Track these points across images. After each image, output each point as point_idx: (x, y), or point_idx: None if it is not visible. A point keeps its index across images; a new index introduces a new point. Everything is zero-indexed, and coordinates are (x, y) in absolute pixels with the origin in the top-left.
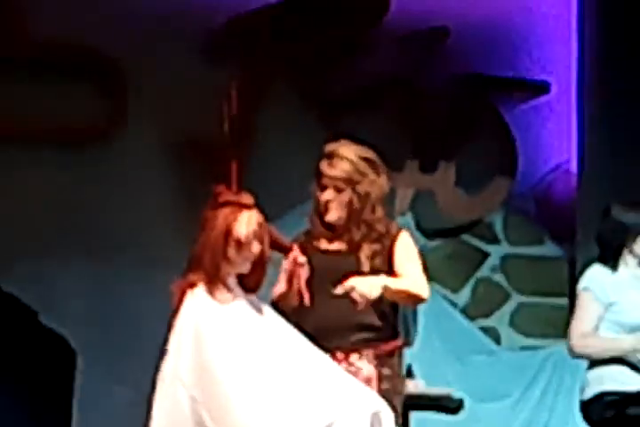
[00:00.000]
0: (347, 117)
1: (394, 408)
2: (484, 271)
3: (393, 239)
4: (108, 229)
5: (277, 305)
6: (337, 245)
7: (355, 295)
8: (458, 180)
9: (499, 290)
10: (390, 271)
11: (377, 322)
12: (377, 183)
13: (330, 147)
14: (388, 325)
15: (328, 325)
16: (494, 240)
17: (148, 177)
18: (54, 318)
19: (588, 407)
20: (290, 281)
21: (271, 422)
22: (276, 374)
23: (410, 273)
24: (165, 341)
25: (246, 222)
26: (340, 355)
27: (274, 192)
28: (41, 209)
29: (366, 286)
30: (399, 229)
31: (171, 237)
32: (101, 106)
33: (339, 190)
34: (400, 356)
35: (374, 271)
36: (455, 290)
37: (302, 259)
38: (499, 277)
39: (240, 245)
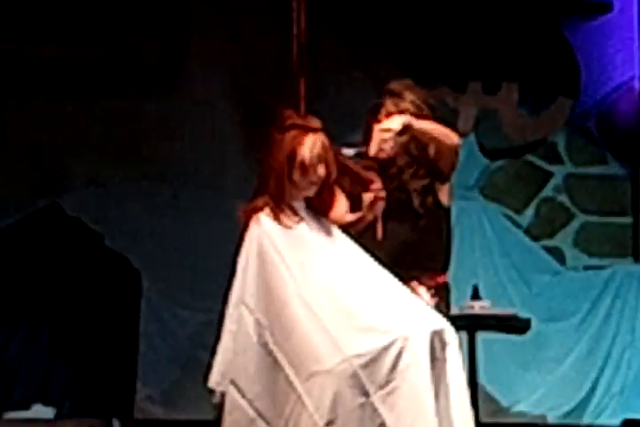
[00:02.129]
0: (409, 42)
1: None
2: (547, 191)
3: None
4: (178, 156)
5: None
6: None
7: (378, 134)
8: (521, 100)
9: (562, 210)
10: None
11: (436, 252)
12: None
13: (394, 85)
14: (443, 256)
15: (392, 253)
16: (558, 160)
17: (217, 105)
18: (121, 241)
19: None
20: (366, 211)
21: (333, 342)
22: (339, 294)
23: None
24: (232, 265)
25: (311, 145)
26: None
27: (340, 115)
28: (108, 136)
29: (389, 121)
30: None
31: (240, 163)
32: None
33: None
34: (448, 289)
35: (425, 207)
36: (519, 211)
37: (383, 192)
38: (562, 197)
39: (305, 168)
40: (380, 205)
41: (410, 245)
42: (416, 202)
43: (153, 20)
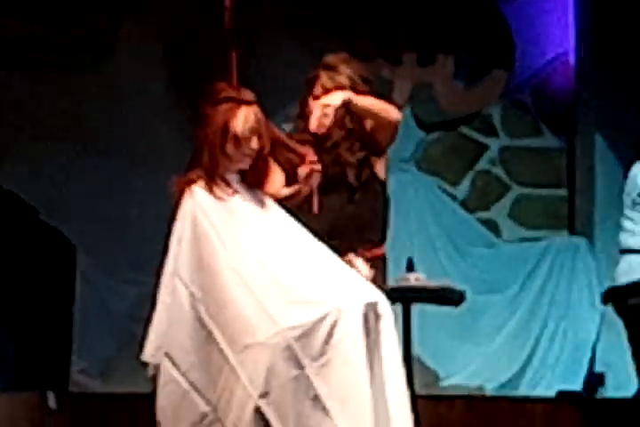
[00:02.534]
0: (345, 14)
1: None
2: (482, 164)
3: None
4: (111, 131)
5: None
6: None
7: (317, 109)
8: (456, 72)
9: (498, 182)
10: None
11: (372, 224)
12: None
13: (330, 59)
14: (380, 228)
15: (327, 226)
16: (493, 132)
17: (150, 77)
18: (55, 216)
19: (617, 293)
20: (301, 184)
21: (267, 315)
22: (273, 266)
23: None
24: (166, 238)
25: (244, 118)
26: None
27: (273, 88)
28: (44, 110)
29: (329, 97)
30: None
31: (173, 136)
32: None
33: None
34: (384, 261)
35: (360, 180)
36: (454, 183)
37: (318, 165)
38: (497, 170)
39: (238, 140)
40: (316, 178)
41: (346, 217)
42: (351, 175)
43: None
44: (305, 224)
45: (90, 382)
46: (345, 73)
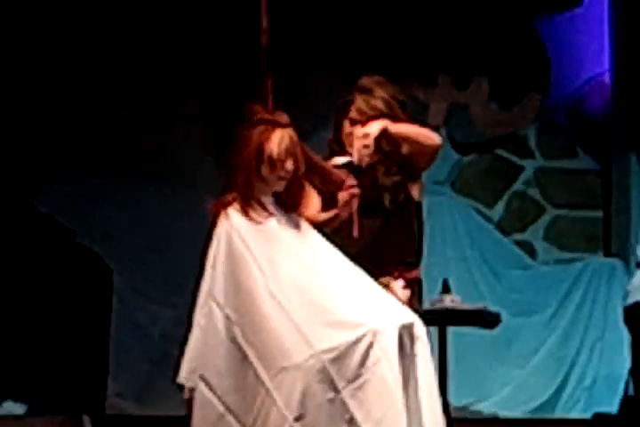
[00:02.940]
0: (381, 35)
1: None
2: (518, 185)
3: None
4: (147, 153)
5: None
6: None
7: (357, 141)
8: (491, 94)
9: (533, 204)
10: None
11: (408, 247)
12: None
13: (365, 82)
14: (416, 251)
15: (363, 249)
16: (528, 154)
17: (187, 101)
18: (92, 238)
19: (629, 313)
20: (340, 209)
21: (302, 337)
22: (309, 289)
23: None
24: (201, 260)
25: (279, 140)
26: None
27: (308, 111)
28: (79, 134)
29: (367, 127)
30: None
31: (209, 159)
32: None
33: (365, 125)
34: (420, 284)
35: (396, 203)
36: (490, 205)
37: (357, 190)
38: (533, 191)
39: (273, 163)
40: (355, 203)
41: (382, 240)
42: (387, 199)
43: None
44: (340, 248)
45: (125, 404)
46: (380, 96)
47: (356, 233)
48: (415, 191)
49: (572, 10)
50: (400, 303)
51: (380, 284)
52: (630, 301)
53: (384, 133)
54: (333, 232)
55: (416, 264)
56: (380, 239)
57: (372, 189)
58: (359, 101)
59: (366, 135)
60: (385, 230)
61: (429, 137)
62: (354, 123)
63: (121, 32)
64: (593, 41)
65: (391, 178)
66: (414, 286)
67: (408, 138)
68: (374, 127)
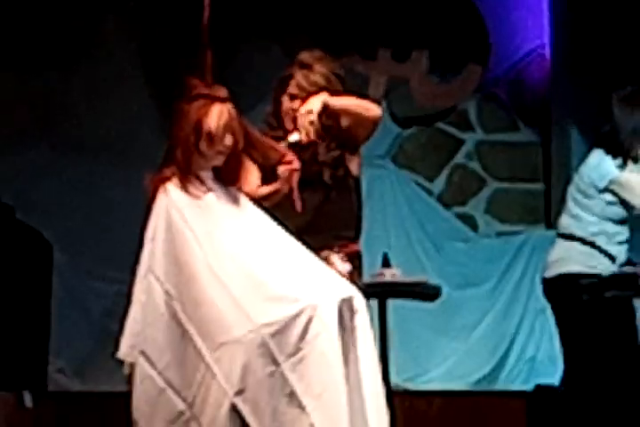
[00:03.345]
0: (321, 8)
1: None
2: (459, 159)
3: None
4: (87, 128)
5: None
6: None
7: (301, 118)
8: (431, 67)
9: (474, 177)
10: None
11: (348, 222)
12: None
13: (305, 57)
14: (355, 224)
15: (303, 223)
16: (469, 127)
17: (127, 77)
18: (31, 214)
19: (550, 285)
20: (280, 183)
21: (242, 312)
22: (248, 263)
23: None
24: (140, 236)
25: (217, 115)
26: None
27: (247, 85)
28: (20, 109)
29: (309, 104)
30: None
31: (147, 132)
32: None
33: (304, 101)
34: (360, 258)
35: (335, 178)
36: (431, 178)
37: (297, 164)
38: (474, 165)
39: (211, 137)
40: (296, 177)
41: (322, 215)
42: (326, 174)
43: None
44: (281, 222)
45: (67, 381)
46: (319, 71)
47: (298, 207)
48: (354, 166)
49: None
50: (341, 277)
51: (320, 257)
52: (552, 273)
53: (324, 108)
54: (274, 207)
55: (355, 238)
56: (319, 214)
57: (313, 164)
58: (299, 77)
59: (310, 112)
60: (325, 205)
61: (369, 108)
62: (293, 98)
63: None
64: (532, 14)
65: (331, 153)
66: (354, 260)
67: (347, 110)
68: (316, 103)
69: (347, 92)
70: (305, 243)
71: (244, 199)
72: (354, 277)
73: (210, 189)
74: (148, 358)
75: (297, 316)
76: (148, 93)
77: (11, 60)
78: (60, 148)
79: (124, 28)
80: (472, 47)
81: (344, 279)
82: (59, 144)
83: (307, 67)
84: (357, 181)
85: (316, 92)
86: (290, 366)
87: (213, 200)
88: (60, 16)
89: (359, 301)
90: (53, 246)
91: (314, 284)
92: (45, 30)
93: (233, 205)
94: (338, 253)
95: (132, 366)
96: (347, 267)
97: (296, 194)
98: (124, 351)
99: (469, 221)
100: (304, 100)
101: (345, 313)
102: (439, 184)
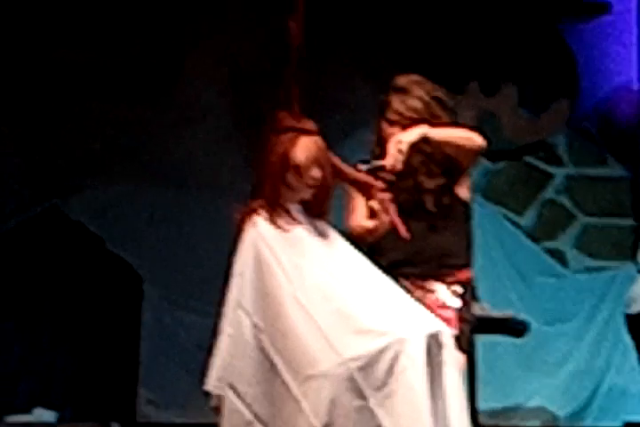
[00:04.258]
0: (407, 43)
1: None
2: (548, 193)
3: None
4: (174, 159)
5: (362, 239)
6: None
7: (392, 146)
8: (520, 101)
9: (564, 211)
10: (457, 205)
11: (455, 249)
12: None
13: (401, 81)
14: (464, 252)
15: (410, 253)
16: (558, 162)
17: (212, 106)
18: (122, 246)
19: (633, 321)
20: (378, 216)
21: (330, 345)
22: (336, 296)
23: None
24: (228, 267)
25: (305, 148)
26: (418, 282)
27: (334, 119)
28: (108, 140)
29: (405, 134)
30: None
31: (235, 165)
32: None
33: (405, 128)
34: (472, 285)
35: (440, 206)
36: (520, 212)
37: (388, 195)
38: (563, 199)
39: (299, 170)
40: (392, 207)
41: (428, 243)
42: (429, 202)
43: (150, 24)
44: (386, 252)
45: (155, 412)
46: (417, 95)
47: (404, 234)
48: (463, 192)
49: (600, 16)
50: (424, 309)
51: (425, 289)
52: (634, 309)
53: (424, 139)
54: (379, 240)
55: (466, 265)
56: (425, 243)
57: (415, 192)
58: (395, 102)
59: (400, 142)
60: (430, 233)
61: (471, 139)
62: (392, 123)
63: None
64: (621, 48)
65: (434, 180)
66: (467, 287)
67: (450, 142)
68: (412, 134)
69: (449, 115)
70: (410, 273)
71: (332, 232)
72: (462, 312)
73: (298, 222)
74: (235, 391)
75: (384, 350)
76: (233, 124)
77: (97, 90)
78: (148, 179)
79: (211, 59)
80: (561, 81)
81: (428, 312)
82: (147, 175)
83: (403, 91)
84: (467, 205)
85: (415, 119)
86: (377, 400)
87: (301, 233)
88: (147, 47)
89: (447, 335)
90: (143, 278)
91: (401, 318)
92: (132, 61)
93: (321, 238)
94: (447, 283)
95: (220, 398)
96: (452, 297)
97: (397, 221)
98: (212, 384)
99: (559, 255)
100: (405, 126)
101: (432, 348)
102: (528, 219)
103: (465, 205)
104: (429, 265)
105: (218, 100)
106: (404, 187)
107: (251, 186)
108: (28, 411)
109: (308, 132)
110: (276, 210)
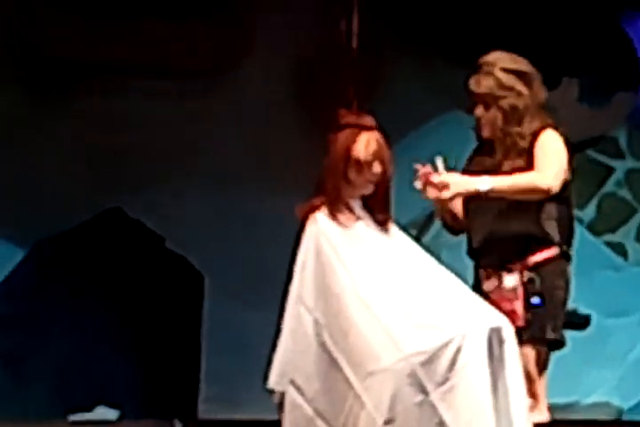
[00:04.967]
0: (468, 39)
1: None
2: (609, 187)
3: (533, 141)
4: (235, 155)
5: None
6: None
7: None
8: (581, 95)
9: (624, 205)
10: None
11: (531, 230)
12: (524, 95)
13: (481, 59)
14: (540, 232)
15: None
16: (619, 155)
17: (274, 102)
18: (182, 244)
19: None
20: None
21: (391, 340)
22: (397, 291)
23: (538, 167)
24: (290, 265)
25: (365, 143)
26: (490, 271)
27: (396, 113)
28: (170, 137)
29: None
30: (542, 129)
31: (297, 163)
32: (229, 34)
33: (486, 106)
34: (560, 264)
35: None
36: (581, 206)
37: (436, 178)
38: (624, 192)
39: (360, 166)
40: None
41: (502, 230)
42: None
43: (212, 15)
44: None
45: (217, 409)
46: (490, 72)
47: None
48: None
49: None
50: (486, 304)
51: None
52: None
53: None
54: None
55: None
56: (498, 229)
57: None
58: (472, 82)
59: (445, 186)
60: (503, 220)
61: (537, 189)
62: (475, 104)
63: None
64: None
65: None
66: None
67: (514, 195)
68: (458, 187)
69: (537, 90)
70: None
71: (392, 227)
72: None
73: (359, 218)
74: (297, 387)
75: (446, 345)
76: (295, 122)
77: (152, 88)
78: (209, 176)
79: (274, 55)
80: (622, 74)
81: (489, 306)
82: (208, 173)
83: (480, 69)
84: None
85: (489, 97)
86: (439, 395)
87: (362, 228)
88: (209, 37)
89: (508, 330)
90: (204, 275)
91: (463, 312)
92: (194, 52)
93: (382, 234)
94: (520, 270)
95: (282, 394)
96: (519, 284)
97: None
98: (273, 380)
99: (619, 249)
100: (487, 105)
101: (494, 343)
102: (589, 212)
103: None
104: (503, 252)
105: (277, 97)
106: (481, 169)
107: (312, 183)
108: (90, 409)
109: (368, 128)
110: (337, 206)
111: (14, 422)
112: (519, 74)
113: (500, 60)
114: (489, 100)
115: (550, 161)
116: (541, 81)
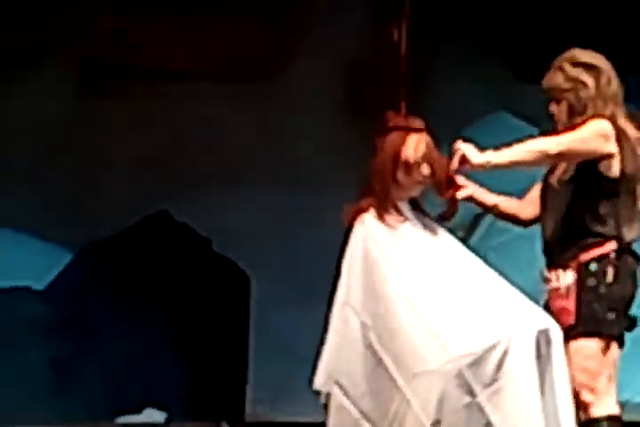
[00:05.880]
0: (514, 40)
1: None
2: None
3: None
4: (280, 159)
5: None
6: None
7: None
8: (625, 95)
9: None
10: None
11: (588, 226)
12: (589, 87)
13: (563, 56)
14: (592, 228)
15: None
16: None
17: (319, 106)
18: (228, 247)
19: None
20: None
21: (438, 342)
22: (444, 293)
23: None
24: (337, 266)
25: (414, 145)
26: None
27: (442, 115)
28: (215, 140)
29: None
30: (591, 118)
31: (343, 164)
32: (274, 38)
33: (558, 101)
34: (619, 259)
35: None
36: None
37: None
38: None
39: (409, 168)
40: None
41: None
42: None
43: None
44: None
45: (264, 411)
46: (562, 68)
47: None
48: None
49: None
50: (534, 305)
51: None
52: None
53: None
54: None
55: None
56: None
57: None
58: (545, 79)
59: (465, 160)
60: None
61: (544, 153)
62: (550, 101)
63: None
64: None
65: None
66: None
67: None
68: (477, 157)
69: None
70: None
71: (440, 229)
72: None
73: (407, 220)
74: (343, 389)
75: (494, 347)
76: (342, 124)
77: (195, 90)
78: (256, 179)
79: (323, 57)
80: None
81: (538, 307)
82: (254, 176)
83: (553, 66)
84: (614, 181)
85: (558, 91)
86: (486, 396)
87: (410, 230)
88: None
89: (555, 331)
90: (250, 278)
91: (511, 314)
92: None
93: (430, 236)
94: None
95: (328, 396)
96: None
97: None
98: (320, 381)
99: None
100: (557, 100)
101: (542, 345)
102: None
103: (611, 182)
104: (560, 251)
105: (327, 100)
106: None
107: (359, 185)
108: (138, 411)
109: (416, 130)
110: (385, 208)
111: (63, 424)
112: (587, 66)
113: (573, 55)
114: (558, 95)
115: (570, 133)
116: (614, 77)
